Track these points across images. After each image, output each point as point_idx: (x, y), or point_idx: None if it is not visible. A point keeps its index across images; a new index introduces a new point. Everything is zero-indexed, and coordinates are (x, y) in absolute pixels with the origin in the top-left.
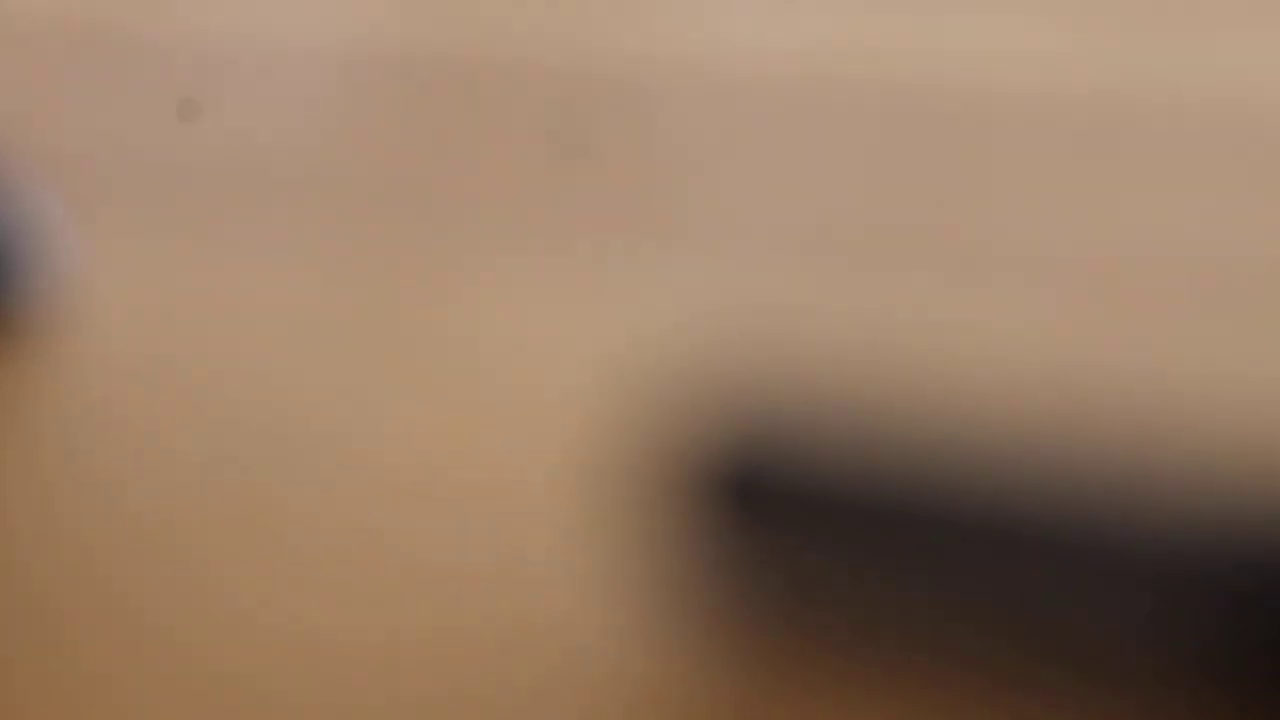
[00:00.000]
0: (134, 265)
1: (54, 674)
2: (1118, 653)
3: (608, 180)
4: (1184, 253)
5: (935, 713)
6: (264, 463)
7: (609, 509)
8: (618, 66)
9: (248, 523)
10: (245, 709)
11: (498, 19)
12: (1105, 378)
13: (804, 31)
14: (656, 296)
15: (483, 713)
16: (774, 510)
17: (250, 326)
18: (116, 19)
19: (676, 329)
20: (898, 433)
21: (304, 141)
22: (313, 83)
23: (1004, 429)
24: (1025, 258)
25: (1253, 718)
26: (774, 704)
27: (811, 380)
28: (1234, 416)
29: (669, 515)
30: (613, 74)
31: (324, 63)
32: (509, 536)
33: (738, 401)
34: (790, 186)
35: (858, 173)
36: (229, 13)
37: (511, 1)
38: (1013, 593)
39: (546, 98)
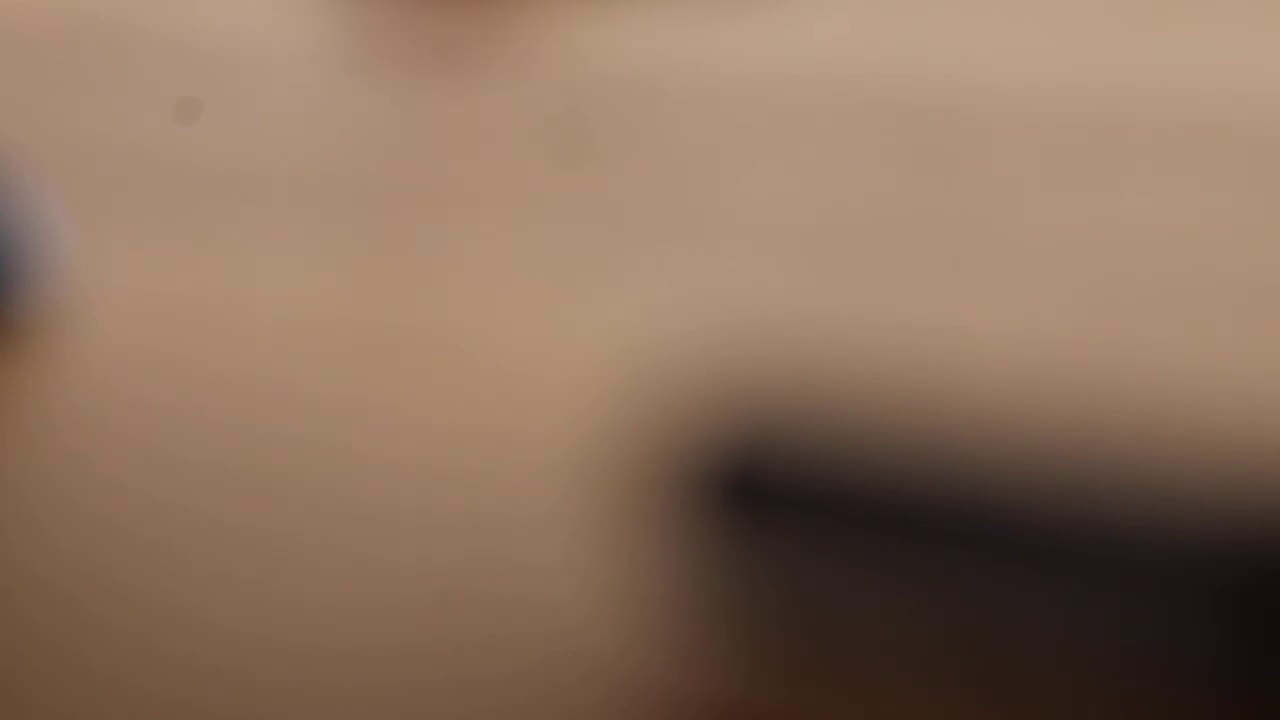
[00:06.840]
0: (134, 265)
1: (53, 673)
2: (1119, 654)
3: (610, 181)
4: (1184, 253)
5: (936, 714)
6: (264, 462)
7: (609, 509)
8: (620, 67)
9: (247, 522)
10: (244, 711)
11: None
12: (1106, 379)
13: (805, 33)
14: (658, 297)
15: (482, 713)
16: (774, 511)
17: (250, 326)
18: (116, 18)
19: (678, 329)
20: (899, 434)
21: (304, 141)
22: (313, 83)
23: (1006, 430)
24: (1030, 258)
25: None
26: (774, 704)
27: (813, 381)
28: (1234, 416)
29: (669, 515)
30: (615, 75)
31: (324, 63)
32: (509, 537)
33: (739, 401)
34: (791, 187)
35: (859, 173)
36: (229, 13)
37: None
38: (1013, 594)
39: (549, 98)
